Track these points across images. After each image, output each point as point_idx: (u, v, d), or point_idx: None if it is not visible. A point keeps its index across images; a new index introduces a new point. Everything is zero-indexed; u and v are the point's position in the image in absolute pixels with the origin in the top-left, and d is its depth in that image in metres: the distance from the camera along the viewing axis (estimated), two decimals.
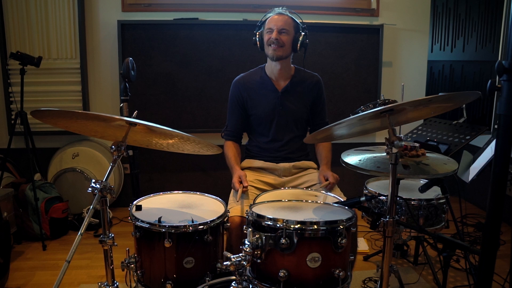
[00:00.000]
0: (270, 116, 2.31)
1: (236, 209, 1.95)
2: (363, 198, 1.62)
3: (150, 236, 1.67)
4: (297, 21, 2.25)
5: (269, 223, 1.47)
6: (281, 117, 2.31)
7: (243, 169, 2.34)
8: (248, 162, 2.37)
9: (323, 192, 2.00)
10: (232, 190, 2.21)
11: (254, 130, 2.39)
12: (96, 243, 3.06)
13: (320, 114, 2.40)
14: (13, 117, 3.43)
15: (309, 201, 1.78)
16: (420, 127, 2.85)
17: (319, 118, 2.40)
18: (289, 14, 2.24)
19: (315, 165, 2.41)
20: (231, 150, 2.34)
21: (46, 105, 3.57)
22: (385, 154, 1.47)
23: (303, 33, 2.24)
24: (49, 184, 3.32)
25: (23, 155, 3.24)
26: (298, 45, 2.22)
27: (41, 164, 3.50)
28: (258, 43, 2.28)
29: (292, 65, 2.36)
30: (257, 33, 2.28)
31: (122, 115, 2.14)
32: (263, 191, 2.07)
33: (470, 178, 2.33)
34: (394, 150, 1.41)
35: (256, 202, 1.77)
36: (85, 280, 2.58)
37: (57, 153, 3.63)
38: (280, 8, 2.26)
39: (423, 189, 2.06)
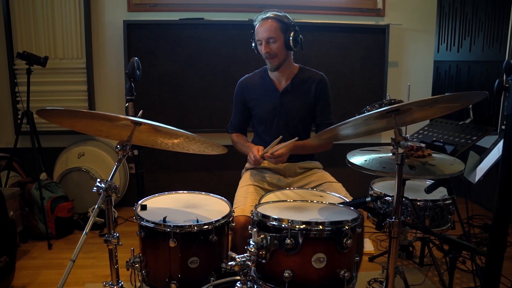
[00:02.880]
0: (271, 116, 2.31)
1: (241, 209, 1.95)
2: (368, 199, 1.61)
3: (155, 235, 1.67)
4: (284, 21, 2.17)
5: (274, 223, 1.47)
6: (281, 117, 2.30)
7: (248, 169, 2.34)
8: None
9: (328, 192, 1.99)
10: (238, 189, 2.21)
11: (257, 129, 2.40)
12: (101, 243, 3.05)
13: (322, 113, 2.33)
14: (19, 116, 3.45)
15: (314, 201, 1.77)
16: (426, 128, 2.83)
17: (321, 118, 2.34)
18: (272, 16, 2.16)
19: (320, 165, 2.40)
20: (240, 137, 2.41)
21: (52, 105, 3.59)
22: (391, 154, 1.46)
23: (293, 31, 2.17)
24: (54, 184, 3.34)
25: (29, 154, 3.26)
26: (291, 44, 2.17)
27: (47, 164, 3.51)
28: (257, 51, 2.27)
29: (296, 64, 2.34)
30: (253, 42, 2.26)
31: (127, 114, 2.14)
32: (268, 191, 2.07)
33: (476, 179, 2.32)
34: (400, 150, 1.40)
35: (261, 202, 1.76)
36: (90, 279, 2.59)
37: (62, 152, 3.65)
38: (263, 13, 2.19)
39: (429, 189, 2.04)
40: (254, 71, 2.42)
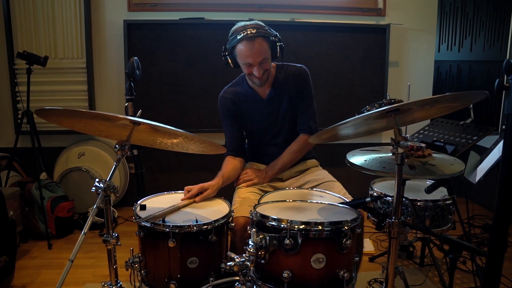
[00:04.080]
0: (262, 126, 2.26)
1: (240, 210, 1.94)
2: (368, 199, 1.61)
3: (154, 235, 1.66)
4: (269, 36, 2.01)
5: (273, 223, 1.47)
6: (272, 124, 2.25)
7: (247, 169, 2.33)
8: (251, 165, 2.34)
9: (328, 192, 1.98)
10: (236, 190, 2.20)
11: (251, 138, 2.36)
12: (101, 242, 3.03)
13: (302, 114, 2.21)
14: (19, 116, 3.45)
15: (314, 201, 1.77)
16: (426, 127, 2.82)
17: (300, 120, 2.22)
18: (257, 34, 1.95)
19: (316, 163, 2.38)
20: (225, 163, 2.23)
21: (53, 105, 3.58)
22: (391, 154, 1.46)
23: (277, 41, 2.03)
24: (55, 183, 3.34)
25: (30, 154, 3.26)
26: (278, 55, 2.05)
27: (47, 163, 3.52)
28: (232, 66, 2.09)
29: (272, 62, 2.17)
30: (227, 56, 2.08)
31: (127, 114, 2.14)
32: (266, 192, 2.06)
33: (477, 179, 2.31)
34: (400, 150, 1.40)
35: (260, 202, 1.76)
36: (90, 279, 2.58)
37: (63, 152, 3.65)
38: (242, 30, 1.96)
39: (430, 190, 2.04)
40: (232, 81, 2.32)
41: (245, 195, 2.10)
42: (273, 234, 1.45)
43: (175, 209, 1.81)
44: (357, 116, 1.39)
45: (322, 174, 2.27)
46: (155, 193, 2.01)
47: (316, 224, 1.43)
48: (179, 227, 1.62)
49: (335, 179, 2.22)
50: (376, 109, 1.42)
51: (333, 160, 2.73)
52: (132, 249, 1.73)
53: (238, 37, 1.97)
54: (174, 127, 1.52)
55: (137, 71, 2.16)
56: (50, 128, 3.59)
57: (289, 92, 2.20)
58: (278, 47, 2.04)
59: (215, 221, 1.68)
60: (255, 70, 2.02)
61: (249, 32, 1.95)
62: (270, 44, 2.02)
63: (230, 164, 2.20)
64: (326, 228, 1.44)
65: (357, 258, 1.59)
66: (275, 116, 2.24)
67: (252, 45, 1.97)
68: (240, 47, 1.99)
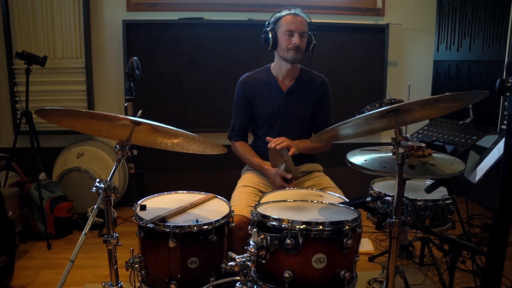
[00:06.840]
0: (275, 116, 2.30)
1: (236, 208, 1.94)
2: (368, 199, 1.61)
3: (155, 236, 1.66)
4: (309, 23, 2.23)
5: (274, 223, 1.47)
6: (285, 117, 2.29)
7: (248, 170, 2.33)
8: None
9: (328, 192, 1.98)
10: (236, 189, 2.20)
11: (258, 129, 2.38)
12: (100, 243, 3.04)
13: (324, 114, 2.36)
14: (18, 116, 3.45)
15: (314, 201, 1.76)
16: (426, 127, 2.83)
17: (322, 118, 2.36)
18: (302, 15, 2.19)
19: (320, 167, 2.39)
20: (246, 148, 2.35)
21: (51, 105, 3.57)
22: (391, 154, 1.46)
23: (313, 35, 2.24)
24: (54, 184, 3.33)
25: (28, 154, 3.25)
26: (311, 46, 2.24)
27: (46, 164, 3.51)
28: (271, 42, 2.20)
29: (297, 65, 2.33)
30: (269, 31, 2.20)
31: (126, 114, 2.13)
32: (265, 193, 2.05)
33: (477, 178, 2.31)
34: (401, 150, 1.40)
35: (261, 202, 1.76)
36: (90, 279, 2.58)
37: (62, 152, 3.64)
38: (287, 9, 2.19)
39: (430, 189, 2.04)
40: (255, 70, 2.40)
41: (243, 195, 2.10)
42: (274, 234, 1.45)
43: (181, 210, 1.80)
44: (358, 116, 1.39)
45: (323, 180, 2.27)
46: (154, 193, 2.01)
47: (317, 224, 1.44)
48: (180, 227, 1.62)
49: (336, 186, 2.22)
50: (376, 109, 1.42)
51: (333, 160, 2.74)
52: (132, 249, 1.73)
53: (284, 13, 2.18)
54: (174, 127, 1.52)
55: (136, 71, 2.16)
56: (49, 128, 3.58)
57: (310, 95, 2.31)
58: (312, 41, 2.25)
59: (216, 221, 1.68)
60: (295, 37, 2.15)
61: (297, 11, 2.19)
62: (308, 28, 2.21)
63: (252, 152, 2.34)
64: (327, 228, 1.44)
65: (358, 258, 1.60)
66: (290, 110, 2.28)
67: (296, 17, 2.17)
68: (285, 18, 2.17)
